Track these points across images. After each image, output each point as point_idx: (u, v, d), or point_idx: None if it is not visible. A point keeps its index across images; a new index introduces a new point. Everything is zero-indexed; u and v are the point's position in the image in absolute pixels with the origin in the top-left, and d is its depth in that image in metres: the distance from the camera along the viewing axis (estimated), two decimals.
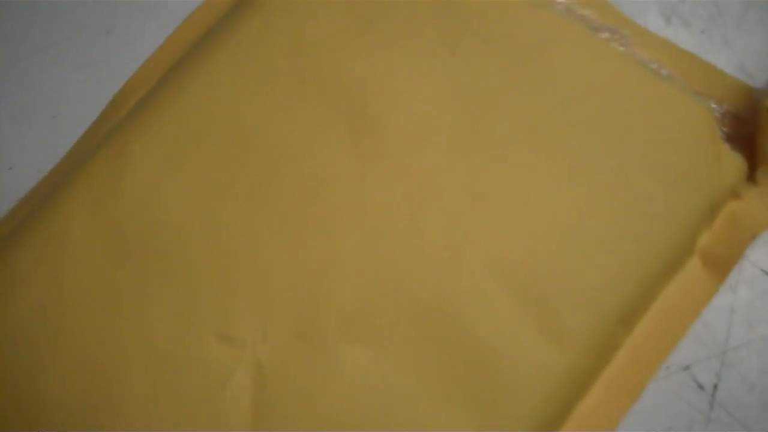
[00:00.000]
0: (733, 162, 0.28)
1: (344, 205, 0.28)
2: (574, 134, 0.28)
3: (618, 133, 0.28)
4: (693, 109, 0.28)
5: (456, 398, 0.26)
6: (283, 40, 0.30)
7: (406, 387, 0.26)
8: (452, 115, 0.29)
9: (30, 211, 0.31)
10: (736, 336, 0.29)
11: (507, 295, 0.26)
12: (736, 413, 0.28)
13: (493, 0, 0.30)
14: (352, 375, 0.26)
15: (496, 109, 0.29)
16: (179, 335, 0.27)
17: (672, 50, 0.31)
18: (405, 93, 0.29)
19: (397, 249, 0.27)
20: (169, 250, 0.28)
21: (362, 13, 0.30)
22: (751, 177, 0.29)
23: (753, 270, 0.29)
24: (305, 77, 0.30)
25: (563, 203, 0.27)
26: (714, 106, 0.30)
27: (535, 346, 0.26)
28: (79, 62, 0.36)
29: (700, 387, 0.29)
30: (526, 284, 0.27)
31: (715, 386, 0.29)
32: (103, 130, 0.32)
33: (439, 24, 0.30)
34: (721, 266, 0.28)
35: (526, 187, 0.28)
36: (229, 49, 0.31)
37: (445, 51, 0.29)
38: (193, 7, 0.35)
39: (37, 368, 0.27)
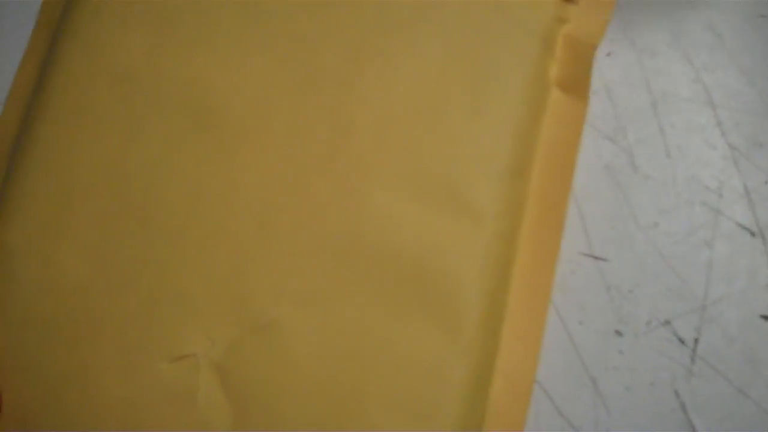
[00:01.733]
0: None
1: (222, 193, 0.28)
2: (397, 39, 0.29)
3: (442, 19, 0.29)
4: None
5: (404, 311, 0.26)
6: (106, 72, 0.30)
7: (356, 322, 0.26)
8: (288, 81, 0.29)
9: None
10: (715, 290, 0.29)
11: (409, 199, 0.27)
12: (718, 366, 0.28)
13: None
14: (305, 335, 0.26)
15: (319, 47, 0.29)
16: (132, 378, 0.27)
17: None
18: (239, 80, 0.29)
19: (293, 208, 0.28)
20: (76, 309, 0.28)
21: (165, 20, 0.30)
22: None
23: (729, 224, 0.29)
24: (137, 99, 0.29)
25: (423, 105, 0.28)
26: None
27: (453, 232, 0.27)
28: None
29: (681, 341, 0.28)
30: (420, 182, 0.27)
31: (696, 340, 0.28)
32: None
33: (237, 16, 0.30)
34: (578, 86, 0.29)
35: (385, 98, 0.28)
36: (59, 99, 0.30)
37: (262, 35, 0.30)
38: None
39: None
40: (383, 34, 0.29)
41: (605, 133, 0.31)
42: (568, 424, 0.28)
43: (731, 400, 0.28)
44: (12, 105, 0.32)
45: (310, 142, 0.28)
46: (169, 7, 0.30)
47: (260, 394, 0.26)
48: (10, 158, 0.31)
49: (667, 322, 0.29)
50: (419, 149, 0.27)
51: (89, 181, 0.28)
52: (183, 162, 0.28)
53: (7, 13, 0.36)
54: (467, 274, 0.26)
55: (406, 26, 0.29)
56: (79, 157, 0.29)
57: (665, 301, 0.29)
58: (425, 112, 0.28)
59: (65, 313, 0.27)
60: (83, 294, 0.28)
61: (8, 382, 0.27)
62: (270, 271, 0.27)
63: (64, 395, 0.27)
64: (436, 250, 0.26)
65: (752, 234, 0.29)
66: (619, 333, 0.29)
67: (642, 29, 0.32)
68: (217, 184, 0.28)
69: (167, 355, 0.27)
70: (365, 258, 0.27)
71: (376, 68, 0.28)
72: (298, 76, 0.29)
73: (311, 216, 0.27)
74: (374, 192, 0.27)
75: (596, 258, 0.29)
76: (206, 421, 0.26)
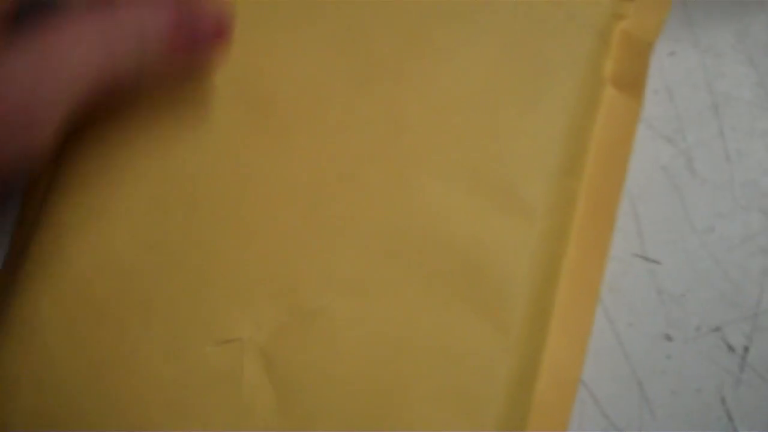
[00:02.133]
0: None
1: (273, 181, 0.28)
2: (456, 35, 0.28)
3: (497, 13, 0.28)
4: None
5: (453, 303, 0.26)
6: None
7: (404, 313, 0.26)
8: (345, 69, 0.29)
9: None
10: None
11: (461, 192, 0.27)
12: (766, 375, 0.28)
13: None
14: (352, 324, 0.26)
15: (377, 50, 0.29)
16: (179, 360, 0.27)
17: None
18: (293, 69, 0.29)
19: (345, 197, 0.28)
20: (125, 290, 0.28)
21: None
22: None
23: None
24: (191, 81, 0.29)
25: (477, 98, 0.28)
26: None
27: (505, 227, 0.26)
28: None
29: (731, 349, 0.28)
30: (472, 176, 0.27)
31: (746, 348, 0.28)
32: None
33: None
34: (633, 84, 0.28)
35: (439, 91, 0.28)
36: None
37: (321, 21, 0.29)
38: None
39: None
40: (438, 26, 0.28)
41: (664, 133, 0.30)
42: (612, 425, 0.28)
43: None
44: None
45: (363, 133, 0.28)
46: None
47: (304, 380, 0.27)
48: (61, 144, 0.31)
49: (717, 329, 0.28)
50: (472, 143, 0.27)
51: (139, 162, 0.28)
52: (234, 148, 0.28)
53: None
54: (517, 269, 0.26)
55: (461, 18, 0.28)
56: (130, 139, 0.29)
57: (717, 308, 0.29)
58: (479, 105, 0.28)
59: (115, 295, 0.28)
60: (133, 276, 0.28)
61: (57, 361, 0.28)
62: (319, 258, 0.27)
63: (111, 375, 0.27)
64: (487, 244, 0.26)
65: None
66: (668, 337, 0.28)
67: (707, 29, 0.31)
68: (268, 172, 0.28)
69: (214, 338, 0.27)
70: (415, 249, 0.27)
71: (431, 60, 0.28)
72: (352, 67, 0.28)
73: (362, 205, 0.27)
74: (426, 184, 0.27)
75: (648, 260, 0.29)
76: (250, 405, 0.27)
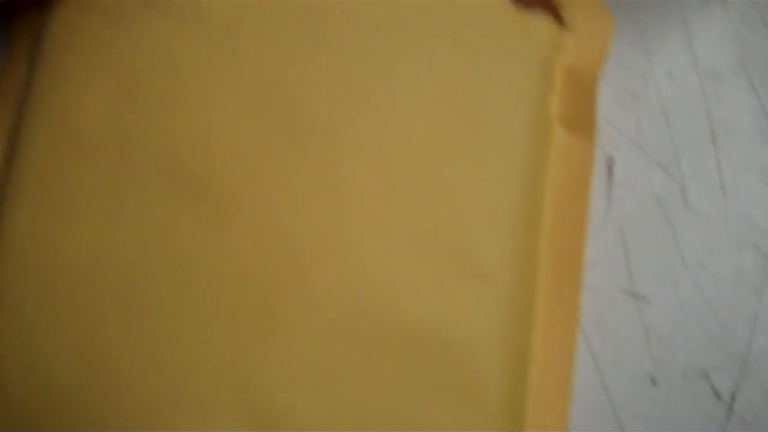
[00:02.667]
0: (539, 23, 0.27)
1: (218, 271, 0.25)
2: (395, 83, 0.26)
3: (432, 55, 0.26)
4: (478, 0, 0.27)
5: (424, 388, 0.24)
6: (74, 143, 0.26)
7: (376, 404, 0.24)
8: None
9: None
10: (759, 344, 0.27)
11: (417, 264, 0.24)
12: (754, 424, 0.26)
13: None
14: (323, 423, 0.24)
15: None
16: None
17: None
18: (220, 139, 0.26)
19: (294, 282, 0.25)
20: (66, 413, 0.25)
21: (131, 79, 0.27)
22: (561, 24, 0.27)
23: None
24: (111, 171, 0.26)
25: (420, 154, 0.25)
26: None
27: (467, 297, 0.24)
28: None
29: (718, 395, 0.27)
30: (427, 244, 0.24)
31: (733, 395, 0.27)
32: None
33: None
34: (582, 122, 0.27)
35: (379, 149, 0.25)
36: (28, 183, 0.27)
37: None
38: None
39: None
40: (370, 76, 0.26)
41: (658, 161, 0.28)
42: None
43: None
44: None
45: (306, 205, 0.25)
46: (136, 65, 0.26)
47: None
48: None
49: (704, 373, 0.27)
50: (421, 206, 0.25)
51: (70, 271, 0.25)
52: (171, 238, 0.25)
53: None
54: (486, 341, 0.24)
55: (394, 64, 0.26)
56: (58, 247, 0.25)
57: (705, 350, 0.27)
58: (423, 162, 0.25)
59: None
60: (65, 394, 0.25)
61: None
62: (274, 356, 0.24)
63: None
64: (451, 319, 0.24)
65: None
66: (653, 381, 0.27)
67: (707, 50, 0.29)
68: (211, 261, 0.25)
69: None
70: (376, 335, 0.24)
71: (366, 115, 0.25)
72: (284, 128, 0.25)
73: (315, 290, 0.24)
74: (377, 257, 0.24)
75: (637, 296, 0.27)
76: None
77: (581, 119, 0.27)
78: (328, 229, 0.25)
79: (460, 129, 0.25)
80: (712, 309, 0.27)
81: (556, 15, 0.27)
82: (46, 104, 0.27)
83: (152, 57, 0.26)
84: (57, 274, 0.25)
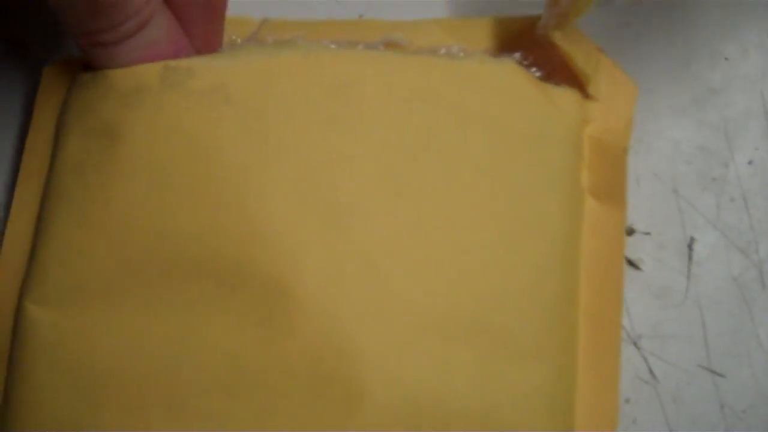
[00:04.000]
0: (565, 95, 0.27)
1: (268, 365, 0.24)
2: (431, 168, 0.25)
3: (464, 141, 0.26)
4: (504, 73, 0.27)
5: None
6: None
7: None
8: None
9: None
10: None
11: (464, 351, 0.24)
12: None
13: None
14: None
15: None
16: None
17: (442, 25, 0.29)
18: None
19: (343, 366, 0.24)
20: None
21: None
22: (586, 96, 0.28)
23: None
24: (146, 264, 0.25)
25: (460, 239, 0.25)
26: (515, 56, 0.28)
27: (517, 382, 0.24)
28: None
29: None
30: (471, 329, 0.24)
31: None
32: None
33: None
34: (613, 192, 0.27)
35: (420, 237, 0.25)
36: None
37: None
38: None
39: None
40: (406, 155, 0.25)
41: (737, 244, 0.30)
42: None
43: None
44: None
45: (351, 293, 0.24)
46: (158, 149, 0.25)
47: None
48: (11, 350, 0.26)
49: None
50: (463, 289, 0.24)
51: (105, 372, 0.24)
52: (212, 335, 0.24)
53: None
54: (534, 418, 0.24)
55: (428, 143, 0.25)
56: (93, 351, 0.24)
57: None
58: (462, 243, 0.25)
59: None
60: None
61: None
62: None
63: None
64: (499, 399, 0.24)
65: None
66: None
67: None
68: (261, 358, 0.24)
69: None
70: (430, 424, 0.24)
71: (405, 196, 0.25)
72: (322, 213, 0.25)
73: (368, 384, 0.24)
74: (425, 347, 0.24)
75: (713, 372, 0.29)
76: None
77: (612, 189, 0.27)
78: (372, 316, 0.24)
79: (496, 209, 0.25)
80: None
81: (581, 87, 0.28)
82: (69, 193, 0.26)
83: (177, 140, 0.25)
84: (92, 375, 0.24)
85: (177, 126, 0.25)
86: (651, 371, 0.29)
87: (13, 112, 0.31)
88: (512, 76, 0.27)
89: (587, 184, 0.27)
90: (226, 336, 0.24)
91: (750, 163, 0.31)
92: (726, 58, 0.32)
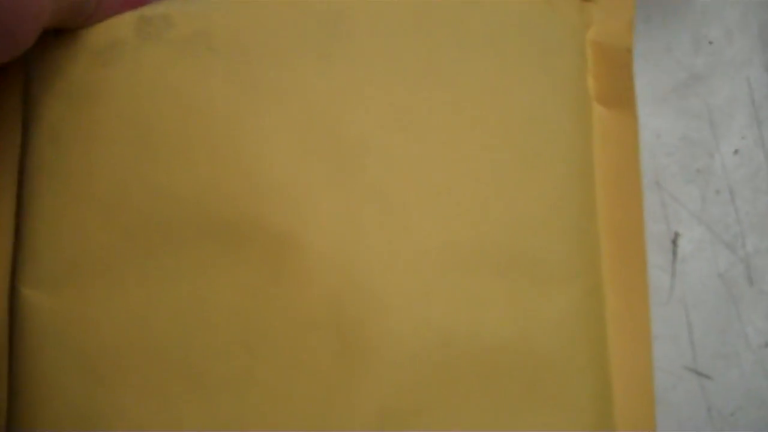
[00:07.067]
0: (565, 1, 0.26)
1: (286, 323, 0.23)
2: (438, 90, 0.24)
3: (467, 63, 0.24)
4: None
5: (519, 410, 0.23)
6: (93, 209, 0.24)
7: (469, 427, 0.23)
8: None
9: None
10: None
11: (490, 278, 0.23)
12: None
13: None
14: None
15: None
16: None
17: None
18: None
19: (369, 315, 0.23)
20: None
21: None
22: None
23: None
24: (142, 234, 0.24)
25: (473, 164, 0.24)
26: None
27: (548, 306, 0.23)
28: None
29: None
30: (496, 256, 0.23)
31: None
32: None
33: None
34: (621, 97, 0.26)
35: (434, 169, 0.24)
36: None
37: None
38: None
39: None
40: (407, 86, 0.24)
41: (723, 238, 0.29)
42: None
43: None
44: None
45: (365, 233, 0.23)
46: (143, 106, 0.24)
47: None
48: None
49: None
50: (483, 218, 0.23)
51: (115, 350, 0.23)
52: (223, 294, 0.23)
53: None
54: (569, 342, 0.23)
55: (428, 70, 0.24)
56: (99, 331, 0.23)
57: (766, 429, 0.27)
58: (476, 170, 0.24)
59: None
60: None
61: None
62: (363, 396, 0.23)
63: None
64: (531, 327, 0.23)
65: None
66: None
67: None
68: (276, 310, 0.23)
69: None
70: (462, 358, 0.23)
71: (411, 128, 0.24)
72: (326, 154, 0.23)
73: (394, 323, 0.23)
74: (451, 281, 0.23)
75: (700, 374, 0.28)
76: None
77: (619, 94, 0.26)
78: (393, 258, 0.23)
79: (507, 130, 0.24)
80: None
81: None
82: (49, 165, 0.24)
83: (161, 96, 0.23)
84: (103, 357, 0.23)
85: (160, 81, 0.23)
86: None
87: None
88: None
89: (593, 91, 0.26)
90: (238, 296, 0.23)
91: (736, 152, 0.29)
92: (710, 42, 0.30)
